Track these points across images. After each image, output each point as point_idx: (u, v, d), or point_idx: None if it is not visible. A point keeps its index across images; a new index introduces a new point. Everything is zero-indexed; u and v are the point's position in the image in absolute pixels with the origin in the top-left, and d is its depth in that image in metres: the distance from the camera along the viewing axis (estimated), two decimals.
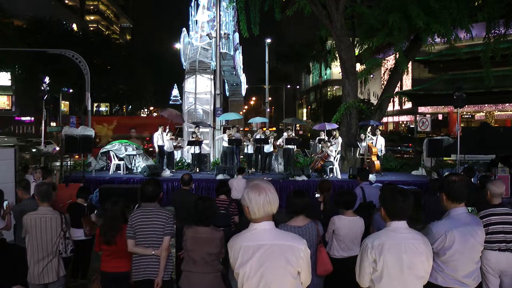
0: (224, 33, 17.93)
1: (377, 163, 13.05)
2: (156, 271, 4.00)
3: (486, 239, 3.96)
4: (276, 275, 2.37)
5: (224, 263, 5.78)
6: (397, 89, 25.89)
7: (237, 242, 2.44)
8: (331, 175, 12.50)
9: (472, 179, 8.07)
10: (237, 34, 21.17)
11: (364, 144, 13.40)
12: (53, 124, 43.68)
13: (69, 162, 14.54)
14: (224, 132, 14.81)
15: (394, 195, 2.76)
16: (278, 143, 14.11)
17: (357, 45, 15.68)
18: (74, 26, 51.53)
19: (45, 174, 7.52)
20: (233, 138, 13.48)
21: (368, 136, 13.37)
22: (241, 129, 16.94)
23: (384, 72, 22.92)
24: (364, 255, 2.74)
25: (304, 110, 70.99)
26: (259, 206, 2.37)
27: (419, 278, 2.68)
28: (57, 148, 23.93)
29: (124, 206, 4.49)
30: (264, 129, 15.00)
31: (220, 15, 16.85)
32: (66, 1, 65.94)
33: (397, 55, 15.44)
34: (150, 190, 4.11)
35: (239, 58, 23.49)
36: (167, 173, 12.90)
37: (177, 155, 15.09)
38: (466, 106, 29.13)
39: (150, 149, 16.13)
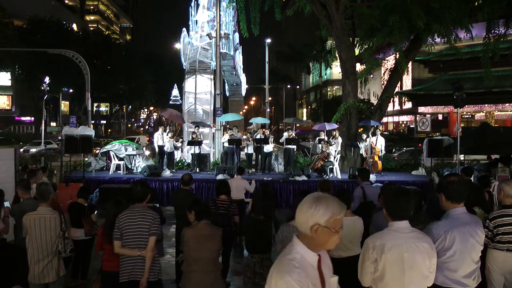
0: (224, 33, 17.92)
1: (379, 163, 13.08)
2: (141, 272, 4.00)
3: (497, 239, 3.95)
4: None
5: (224, 263, 5.78)
6: (397, 89, 25.85)
7: None
8: (331, 175, 12.51)
9: (472, 179, 8.05)
10: (237, 34, 21.17)
11: (365, 144, 13.40)
12: (53, 124, 43.68)
13: (69, 162, 14.52)
14: (225, 130, 14.85)
15: (396, 195, 2.77)
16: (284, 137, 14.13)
17: (357, 45, 15.66)
18: (74, 26, 51.53)
19: (30, 174, 6.92)
20: (234, 138, 13.49)
21: (368, 136, 13.37)
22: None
23: (384, 72, 22.89)
24: (365, 255, 2.74)
25: (304, 110, 70.99)
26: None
27: (423, 277, 2.68)
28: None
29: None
30: (264, 129, 15.01)
31: (220, 15, 16.84)
32: (66, 1, 65.89)
33: (397, 55, 15.43)
34: (138, 190, 4.16)
35: (239, 58, 23.49)
36: (167, 173, 12.90)
37: (177, 155, 15.09)
38: (466, 106, 29.13)
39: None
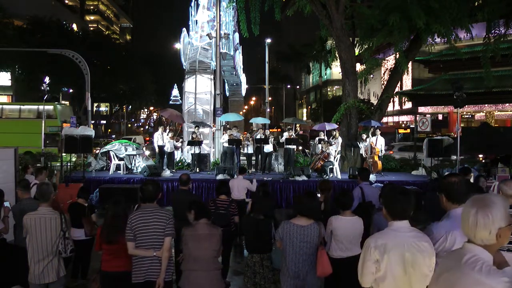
0: (224, 33, 17.93)
1: (379, 163, 13.08)
2: (157, 273, 3.98)
3: None
4: None
5: (224, 263, 5.77)
6: (397, 89, 25.85)
7: None
8: (331, 175, 12.51)
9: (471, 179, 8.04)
10: (237, 34, 21.18)
11: (365, 144, 13.40)
12: None
13: (69, 162, 14.52)
14: (224, 130, 14.86)
15: (396, 195, 2.77)
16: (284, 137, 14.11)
17: (357, 45, 15.67)
18: (74, 26, 51.47)
19: (37, 172, 7.41)
20: (234, 138, 13.50)
21: (368, 136, 13.38)
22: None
23: (384, 72, 22.89)
24: (366, 255, 2.73)
25: (304, 110, 70.97)
26: None
27: (424, 276, 2.68)
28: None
29: (126, 206, 4.49)
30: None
31: (220, 15, 16.85)
32: (66, 1, 65.85)
33: (397, 55, 15.43)
34: (151, 190, 4.11)
35: (239, 58, 23.50)
36: (167, 173, 12.90)
37: (177, 155, 15.10)
38: (466, 106, 29.12)
39: None
